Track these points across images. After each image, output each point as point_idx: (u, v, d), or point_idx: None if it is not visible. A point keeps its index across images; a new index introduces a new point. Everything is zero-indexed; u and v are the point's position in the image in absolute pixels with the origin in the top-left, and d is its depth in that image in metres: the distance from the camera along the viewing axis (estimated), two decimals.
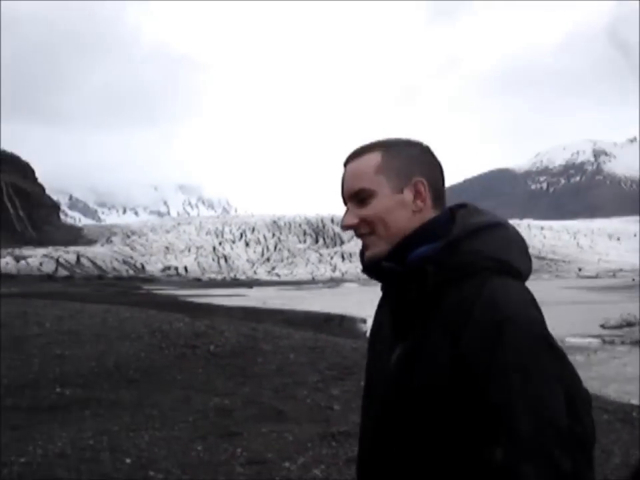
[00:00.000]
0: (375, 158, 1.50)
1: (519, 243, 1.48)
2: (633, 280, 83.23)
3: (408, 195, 1.48)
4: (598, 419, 7.88)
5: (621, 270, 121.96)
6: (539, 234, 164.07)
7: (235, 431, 6.91)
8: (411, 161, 1.50)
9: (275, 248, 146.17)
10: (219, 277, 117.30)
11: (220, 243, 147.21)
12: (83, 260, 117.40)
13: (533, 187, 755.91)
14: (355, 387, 8.73)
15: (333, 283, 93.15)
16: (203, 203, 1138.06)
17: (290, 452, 6.15)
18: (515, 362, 1.30)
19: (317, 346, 12.42)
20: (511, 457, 1.25)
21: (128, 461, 5.79)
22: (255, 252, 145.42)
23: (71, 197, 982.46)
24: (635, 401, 10.62)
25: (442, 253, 1.42)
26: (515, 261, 1.44)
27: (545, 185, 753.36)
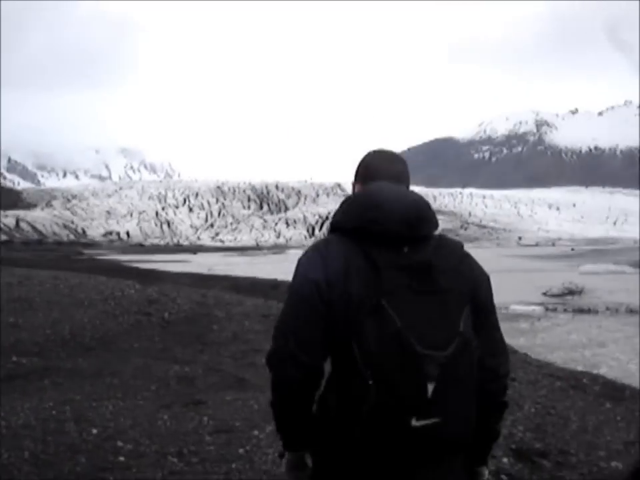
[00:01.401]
0: None
1: (356, 206, 2.03)
2: (572, 249, 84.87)
3: None
4: (551, 386, 8.12)
5: (559, 239, 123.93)
6: (481, 203, 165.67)
7: (199, 400, 6.89)
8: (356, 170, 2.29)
9: (219, 214, 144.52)
10: (162, 243, 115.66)
11: (163, 208, 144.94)
12: (23, 224, 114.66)
13: (476, 156, 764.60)
14: None
15: (278, 249, 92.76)
16: (146, 167, 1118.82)
17: (257, 420, 6.14)
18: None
19: (269, 313, 12.43)
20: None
21: (94, 431, 5.71)
22: (198, 217, 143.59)
23: (9, 160, 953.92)
24: (580, 368, 10.92)
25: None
26: (339, 222, 2.05)
27: (487, 155, 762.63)
